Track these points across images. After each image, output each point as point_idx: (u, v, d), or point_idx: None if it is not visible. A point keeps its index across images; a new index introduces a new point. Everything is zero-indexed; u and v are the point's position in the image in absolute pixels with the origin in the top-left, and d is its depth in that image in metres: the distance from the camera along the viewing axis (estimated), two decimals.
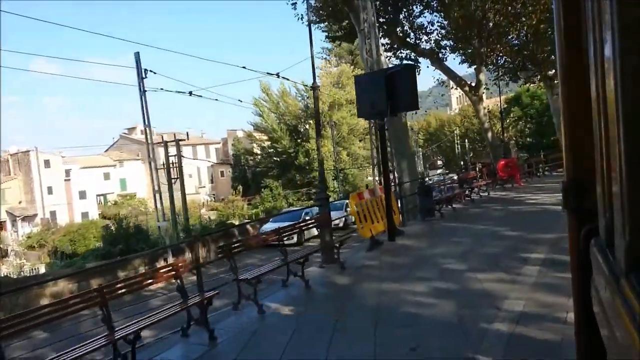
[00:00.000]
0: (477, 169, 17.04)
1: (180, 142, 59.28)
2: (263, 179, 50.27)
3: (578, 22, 1.12)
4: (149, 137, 14.91)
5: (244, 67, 17.16)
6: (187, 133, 26.53)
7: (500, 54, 25.10)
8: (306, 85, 51.19)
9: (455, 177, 21.54)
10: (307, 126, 47.87)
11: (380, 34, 21.02)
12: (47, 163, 47.83)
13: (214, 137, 61.82)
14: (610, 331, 0.84)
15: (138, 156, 58.30)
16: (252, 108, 49.29)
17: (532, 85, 29.81)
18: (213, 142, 60.90)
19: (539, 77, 28.48)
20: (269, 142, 49.87)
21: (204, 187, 59.29)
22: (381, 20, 20.83)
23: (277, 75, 17.10)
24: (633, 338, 0.64)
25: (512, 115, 34.57)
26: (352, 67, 59.41)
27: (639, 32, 0.69)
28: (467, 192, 14.79)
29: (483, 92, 22.56)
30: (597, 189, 1.03)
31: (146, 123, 14.66)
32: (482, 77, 22.10)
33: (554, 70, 30.66)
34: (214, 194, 58.97)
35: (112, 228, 28.51)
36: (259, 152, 51.66)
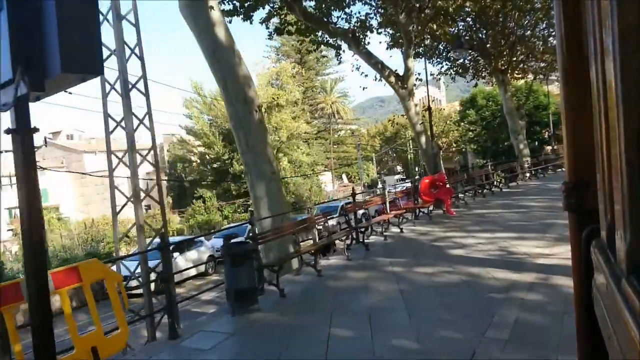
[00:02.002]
0: (387, 191, 11.15)
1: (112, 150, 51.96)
2: (196, 189, 43.81)
3: (579, 23, 1.10)
4: None
5: None
6: (45, 138, 19.85)
7: (440, 39, 19.50)
8: None
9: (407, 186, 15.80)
10: None
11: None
12: None
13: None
14: (611, 333, 0.82)
15: (62, 164, 50.94)
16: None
17: (481, 80, 24.42)
18: (148, 148, 53.72)
19: (488, 70, 23.10)
20: (202, 148, 43.38)
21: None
22: None
23: None
24: (635, 340, 0.61)
25: (449, 118, 29.19)
26: (298, 66, 53.48)
27: None
28: (357, 231, 8.84)
29: (414, 85, 16.83)
30: (598, 189, 0.98)
31: None
32: (411, 63, 16.36)
33: (511, 64, 25.51)
34: (147, 206, 51.89)
35: None
36: (194, 158, 45.02)
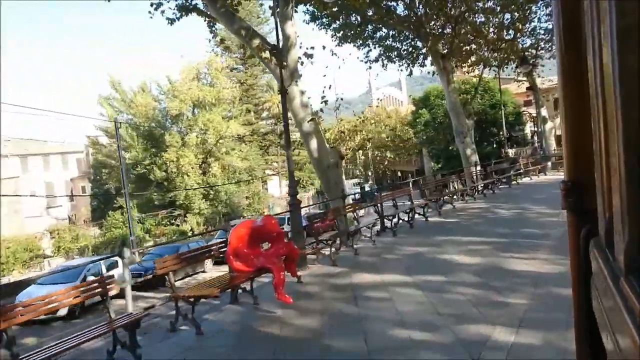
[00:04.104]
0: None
1: (26, 152, 44.33)
2: (116, 199, 37.08)
3: (578, 22, 1.04)
4: None
5: None
6: None
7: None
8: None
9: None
10: (165, 132, 34.98)
11: None
12: None
13: (78, 146, 47.39)
14: (610, 332, 0.80)
15: None
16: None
17: (419, 68, 18.76)
18: (74, 151, 46.62)
19: (424, 54, 17.46)
20: (123, 152, 36.56)
21: (60, 206, 44.83)
22: None
23: None
24: (633, 339, 0.60)
25: (362, 117, 23.51)
26: (237, 59, 47.26)
27: (638, 33, 0.65)
28: None
29: (300, 62, 10.95)
30: (596, 188, 0.95)
31: None
32: (291, 29, 10.46)
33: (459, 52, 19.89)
34: (71, 216, 44.72)
35: None
36: (114, 163, 38.09)
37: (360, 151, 54.21)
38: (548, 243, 7.48)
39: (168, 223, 35.06)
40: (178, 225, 34.36)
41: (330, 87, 14.25)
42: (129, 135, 34.19)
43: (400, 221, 9.98)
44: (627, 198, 0.68)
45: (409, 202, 10.72)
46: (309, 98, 11.59)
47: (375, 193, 34.19)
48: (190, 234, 32.47)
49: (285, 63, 10.42)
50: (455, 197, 13.27)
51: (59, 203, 44.85)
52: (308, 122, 10.68)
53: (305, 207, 28.18)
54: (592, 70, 0.89)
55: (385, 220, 9.60)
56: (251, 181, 39.42)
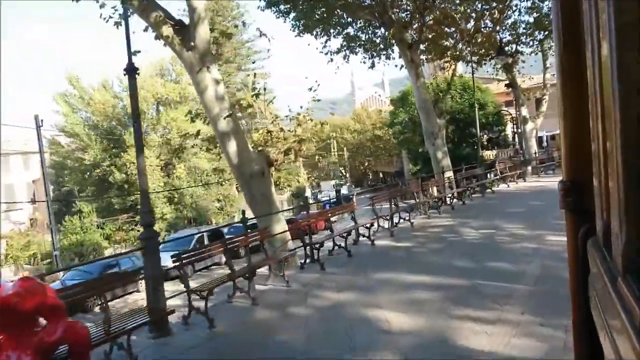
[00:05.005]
0: None
1: None
2: (75, 202, 34.26)
3: (577, 22, 1.03)
4: None
5: None
6: None
7: None
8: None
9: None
10: (125, 131, 32.21)
11: None
12: None
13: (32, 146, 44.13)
14: (607, 331, 0.79)
15: None
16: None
17: (385, 61, 16.48)
18: (37, 152, 43.46)
19: (389, 45, 15.20)
20: (80, 153, 33.72)
21: (21, 209, 41.73)
22: None
23: None
24: (630, 338, 0.59)
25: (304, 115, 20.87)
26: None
27: (637, 32, 0.65)
28: None
29: (215, 42, 8.59)
30: (594, 188, 0.94)
31: None
32: (199, 3, 8.09)
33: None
34: (32, 220, 41.66)
35: None
36: (72, 164, 35.17)
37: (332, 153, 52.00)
38: (522, 290, 5.20)
39: (129, 228, 32.37)
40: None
41: (255, 75, 11.92)
42: (87, 135, 31.43)
43: (337, 247, 7.63)
44: (626, 198, 0.67)
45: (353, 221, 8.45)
46: (238, 90, 9.22)
47: (351, 196, 31.82)
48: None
49: (193, 44, 8.02)
50: (416, 210, 10.97)
51: (19, 206, 41.77)
52: (224, 118, 8.29)
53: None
54: (590, 69, 0.86)
55: (313, 249, 7.22)
56: (221, 183, 36.81)
